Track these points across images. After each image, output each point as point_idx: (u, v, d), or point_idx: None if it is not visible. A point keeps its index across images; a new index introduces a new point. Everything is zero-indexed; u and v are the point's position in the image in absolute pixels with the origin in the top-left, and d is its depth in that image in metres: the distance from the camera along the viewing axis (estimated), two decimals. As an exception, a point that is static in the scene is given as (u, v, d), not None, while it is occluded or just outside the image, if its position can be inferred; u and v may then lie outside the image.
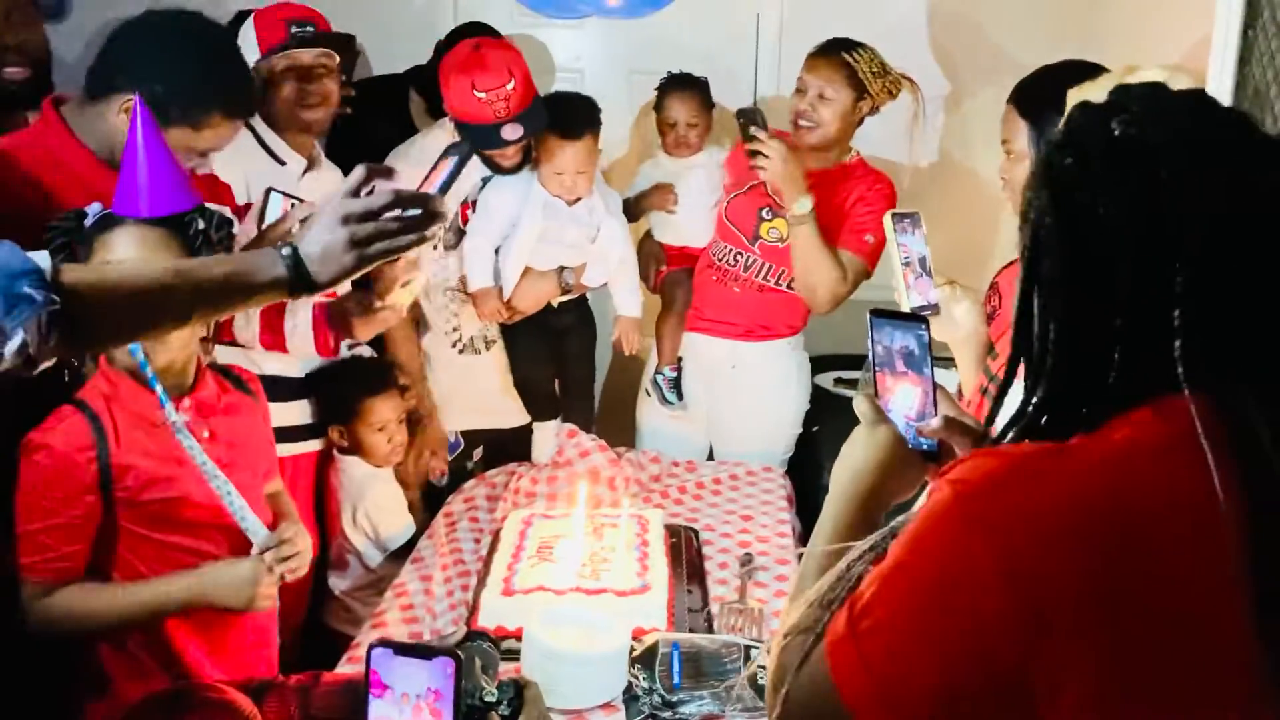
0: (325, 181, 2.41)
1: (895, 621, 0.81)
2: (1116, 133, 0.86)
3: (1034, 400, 0.88)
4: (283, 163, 2.38)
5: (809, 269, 2.62)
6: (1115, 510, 0.78)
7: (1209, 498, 0.77)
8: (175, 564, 1.75)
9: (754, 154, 2.53)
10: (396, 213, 1.30)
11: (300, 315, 2.28)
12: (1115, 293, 0.84)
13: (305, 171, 2.41)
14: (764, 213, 2.74)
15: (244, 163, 2.32)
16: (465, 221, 2.63)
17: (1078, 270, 0.86)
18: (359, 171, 1.36)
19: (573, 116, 2.54)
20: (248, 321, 2.23)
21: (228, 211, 1.90)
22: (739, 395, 2.89)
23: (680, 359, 2.87)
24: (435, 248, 2.55)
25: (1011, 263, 2.03)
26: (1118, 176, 0.85)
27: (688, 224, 2.84)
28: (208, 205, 1.73)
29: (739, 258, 2.77)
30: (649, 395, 2.93)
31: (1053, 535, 0.77)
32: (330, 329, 2.27)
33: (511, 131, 2.46)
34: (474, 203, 2.62)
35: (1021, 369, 0.92)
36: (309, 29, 2.35)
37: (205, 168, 2.20)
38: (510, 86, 2.42)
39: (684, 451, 2.87)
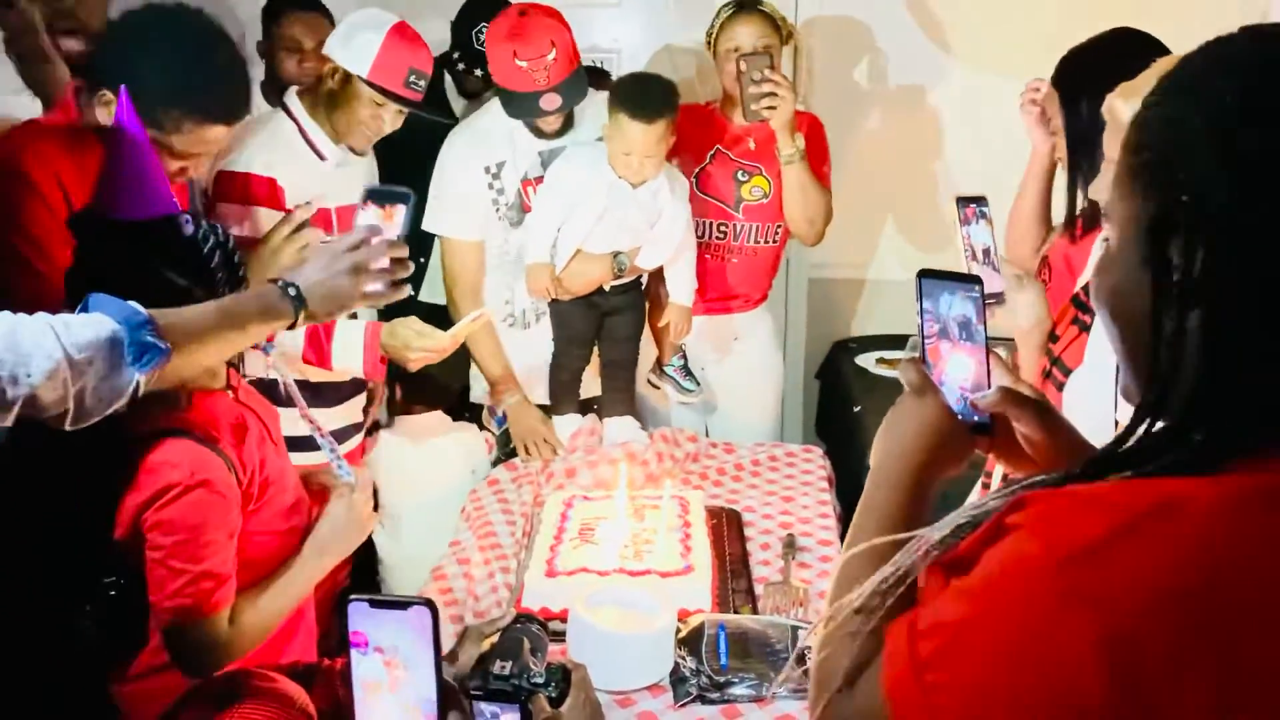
0: (354, 174, 2.39)
1: (973, 685, 0.73)
2: None
3: (1152, 420, 0.78)
4: (323, 158, 2.38)
5: (809, 202, 2.69)
6: (1231, 578, 0.70)
7: None
8: (277, 543, 1.72)
9: (763, 96, 2.52)
10: (384, 263, 1.61)
11: (352, 336, 2.30)
12: None
13: (338, 165, 2.41)
14: (739, 175, 2.78)
15: (286, 156, 2.32)
16: (527, 197, 2.62)
17: (1259, 278, 0.73)
18: (364, 230, 1.63)
19: (648, 98, 2.42)
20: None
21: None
22: (740, 366, 2.96)
23: (682, 346, 2.83)
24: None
25: (1060, 235, 1.99)
26: None
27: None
28: (193, 217, 1.64)
29: (725, 228, 2.80)
30: (656, 388, 2.90)
31: (1160, 607, 0.69)
32: (382, 353, 2.30)
33: (549, 102, 2.45)
34: (535, 179, 2.60)
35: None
36: (421, 84, 2.32)
37: (211, 169, 2.22)
38: (551, 57, 2.40)
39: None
